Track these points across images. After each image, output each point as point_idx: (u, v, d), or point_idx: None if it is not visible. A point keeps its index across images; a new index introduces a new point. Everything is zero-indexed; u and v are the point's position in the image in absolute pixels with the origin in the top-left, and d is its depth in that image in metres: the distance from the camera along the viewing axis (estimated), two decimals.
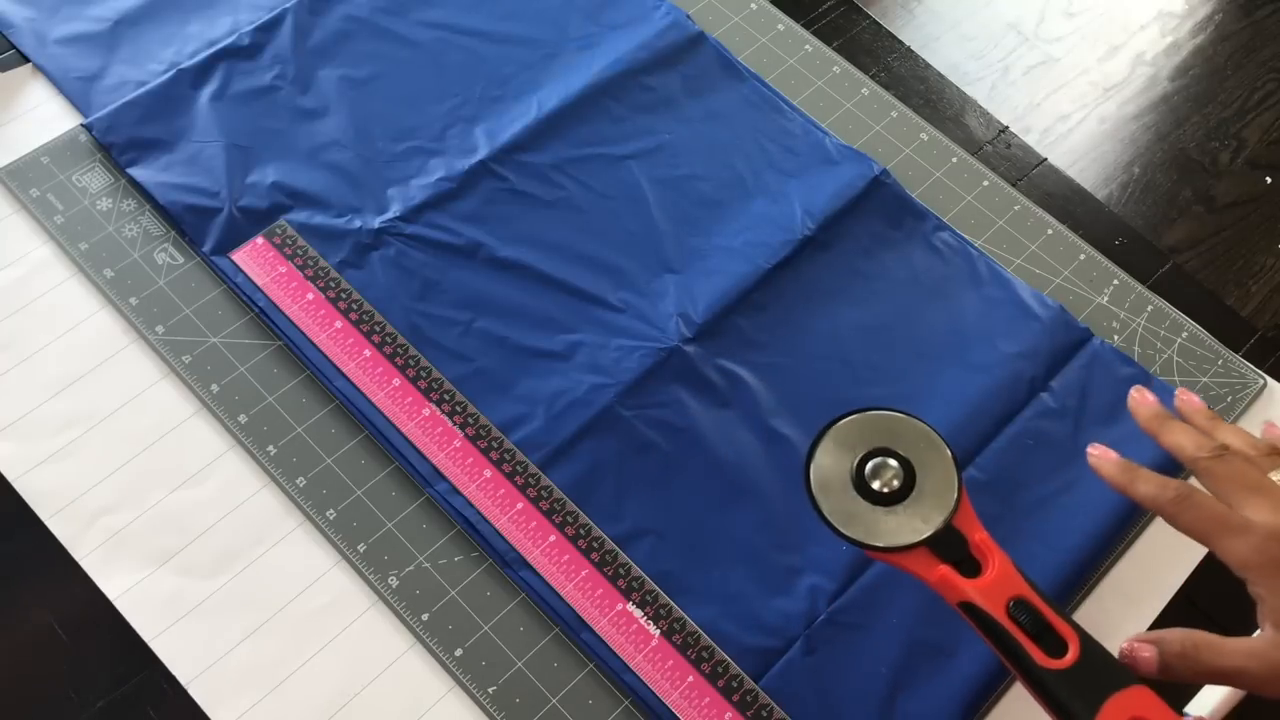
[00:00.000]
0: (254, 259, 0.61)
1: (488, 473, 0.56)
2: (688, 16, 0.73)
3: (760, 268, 0.63)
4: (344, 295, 0.60)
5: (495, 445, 0.56)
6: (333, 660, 0.52)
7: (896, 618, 0.54)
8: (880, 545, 0.47)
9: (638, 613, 0.53)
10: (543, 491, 0.55)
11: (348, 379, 0.58)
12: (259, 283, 0.60)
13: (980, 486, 0.58)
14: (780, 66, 0.72)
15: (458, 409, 0.57)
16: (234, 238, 0.62)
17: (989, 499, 0.57)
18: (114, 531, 0.54)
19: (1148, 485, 0.47)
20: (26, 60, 0.67)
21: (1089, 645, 0.45)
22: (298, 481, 0.56)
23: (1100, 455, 0.50)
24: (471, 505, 0.55)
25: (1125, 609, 0.56)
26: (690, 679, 0.51)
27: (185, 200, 0.63)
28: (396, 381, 0.58)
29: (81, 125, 0.65)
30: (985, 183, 0.69)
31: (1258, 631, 0.44)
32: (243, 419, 0.57)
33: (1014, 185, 0.70)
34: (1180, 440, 0.48)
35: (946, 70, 0.75)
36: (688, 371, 0.60)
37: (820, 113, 0.71)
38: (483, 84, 0.69)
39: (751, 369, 0.60)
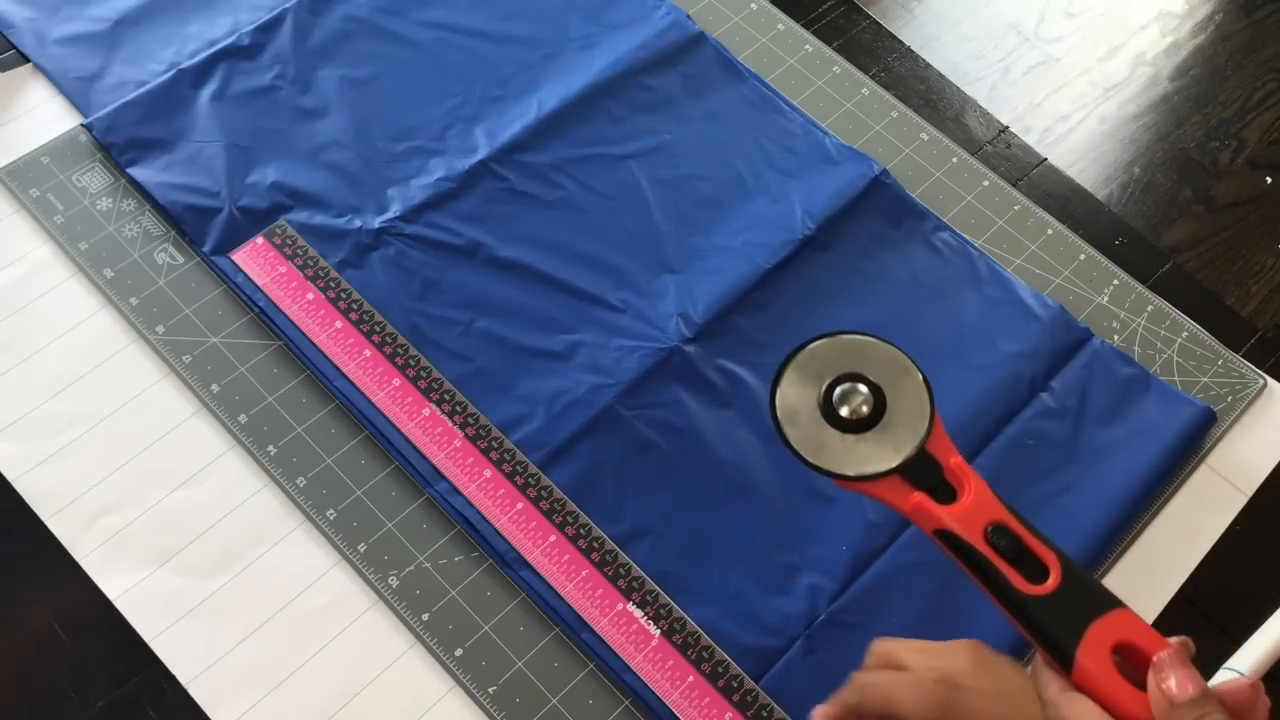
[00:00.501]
0: (254, 259, 0.61)
1: (488, 473, 0.56)
2: (688, 16, 0.73)
3: (760, 268, 0.63)
4: (344, 295, 0.60)
5: (495, 445, 0.56)
6: (333, 660, 0.52)
7: (897, 618, 0.54)
8: (850, 474, 0.46)
9: (638, 613, 0.53)
10: (543, 491, 0.55)
11: (348, 379, 0.58)
12: (259, 283, 0.60)
13: None
14: (780, 66, 0.72)
15: (458, 409, 0.57)
16: (234, 238, 0.62)
17: None
18: (114, 531, 0.54)
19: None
20: (26, 60, 0.67)
21: (1070, 570, 0.44)
22: (298, 481, 0.56)
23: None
24: (471, 505, 0.55)
25: None
26: (690, 679, 0.51)
27: (185, 200, 0.63)
28: (396, 381, 0.58)
29: (81, 125, 0.65)
30: (985, 183, 0.69)
31: None
32: (243, 419, 0.57)
33: (1014, 185, 0.70)
34: None
35: (946, 70, 0.75)
36: (688, 371, 0.60)
37: (820, 113, 0.71)
38: (483, 84, 0.69)
39: (751, 369, 0.60)
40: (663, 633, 0.52)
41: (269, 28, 0.69)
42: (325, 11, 0.70)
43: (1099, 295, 0.65)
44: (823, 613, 0.54)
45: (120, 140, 0.64)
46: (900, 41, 0.76)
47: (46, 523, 0.54)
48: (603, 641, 0.52)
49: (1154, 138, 0.76)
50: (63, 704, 0.51)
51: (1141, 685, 0.41)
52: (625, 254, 0.64)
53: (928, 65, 0.75)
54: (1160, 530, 0.58)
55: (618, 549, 0.54)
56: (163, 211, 0.63)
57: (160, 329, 0.59)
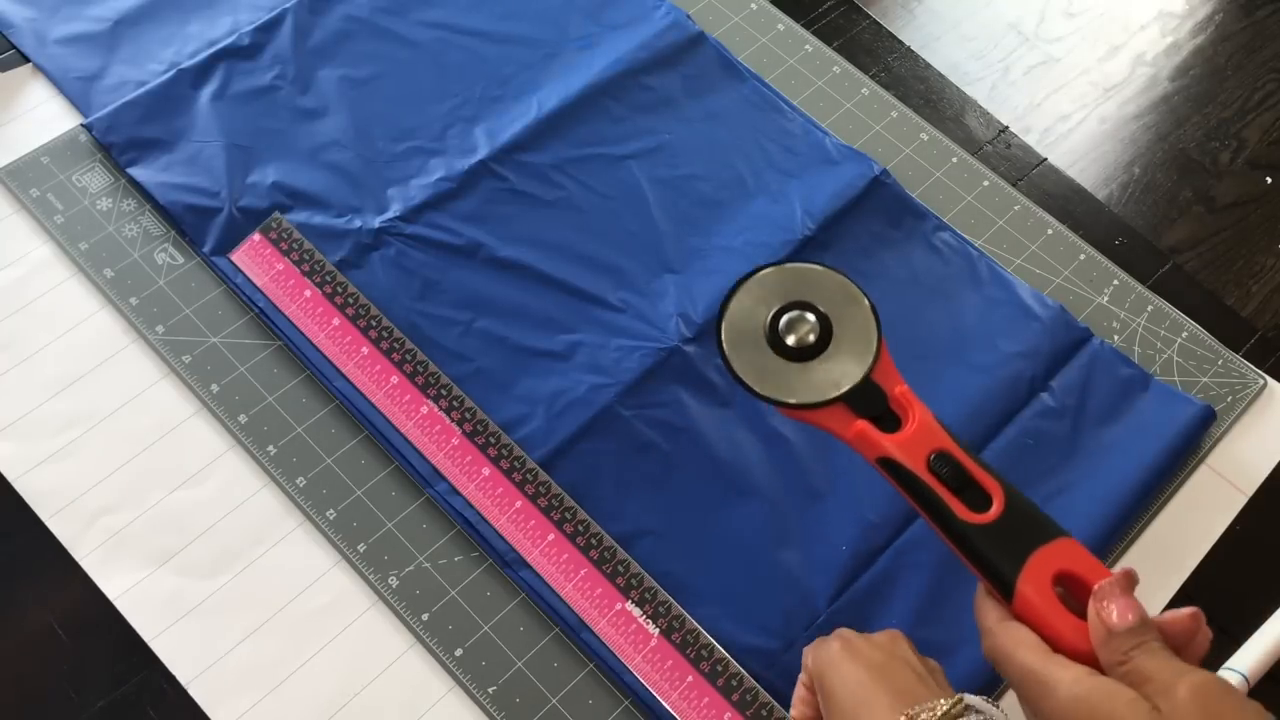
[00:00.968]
0: (251, 257, 0.61)
1: (486, 471, 0.56)
2: (688, 16, 0.73)
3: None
4: (340, 290, 0.60)
5: (493, 441, 0.56)
6: (333, 660, 0.52)
7: (896, 618, 0.54)
8: (794, 402, 0.46)
9: (636, 611, 0.53)
10: (541, 488, 0.55)
11: (346, 378, 0.58)
12: (258, 282, 0.60)
13: None
14: (780, 66, 0.72)
15: (455, 405, 0.57)
16: (234, 238, 0.62)
17: None
18: (114, 531, 0.54)
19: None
20: (26, 60, 0.67)
21: (1014, 499, 0.44)
22: (298, 481, 0.56)
23: None
24: (471, 505, 0.55)
25: None
26: (689, 679, 0.51)
27: (185, 200, 0.63)
28: (394, 379, 0.58)
29: (81, 125, 0.65)
30: (985, 183, 0.69)
31: None
32: (243, 419, 0.57)
33: (1014, 185, 0.70)
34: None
35: (946, 70, 0.75)
36: (688, 371, 0.60)
37: (820, 113, 0.71)
38: (483, 84, 0.69)
39: None
40: (661, 631, 0.52)
41: (269, 28, 0.69)
42: (325, 11, 0.70)
43: (1099, 295, 0.65)
44: (822, 613, 0.54)
45: (120, 140, 0.64)
46: (900, 41, 0.76)
47: (46, 523, 0.54)
48: (602, 642, 0.52)
49: (1154, 138, 0.76)
50: (63, 704, 0.51)
51: (1084, 616, 0.41)
52: (625, 254, 0.64)
53: (928, 65, 0.75)
54: (1160, 530, 0.58)
55: (616, 546, 0.54)
56: (163, 211, 0.63)
57: (160, 329, 0.59)
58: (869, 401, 0.46)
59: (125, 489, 0.55)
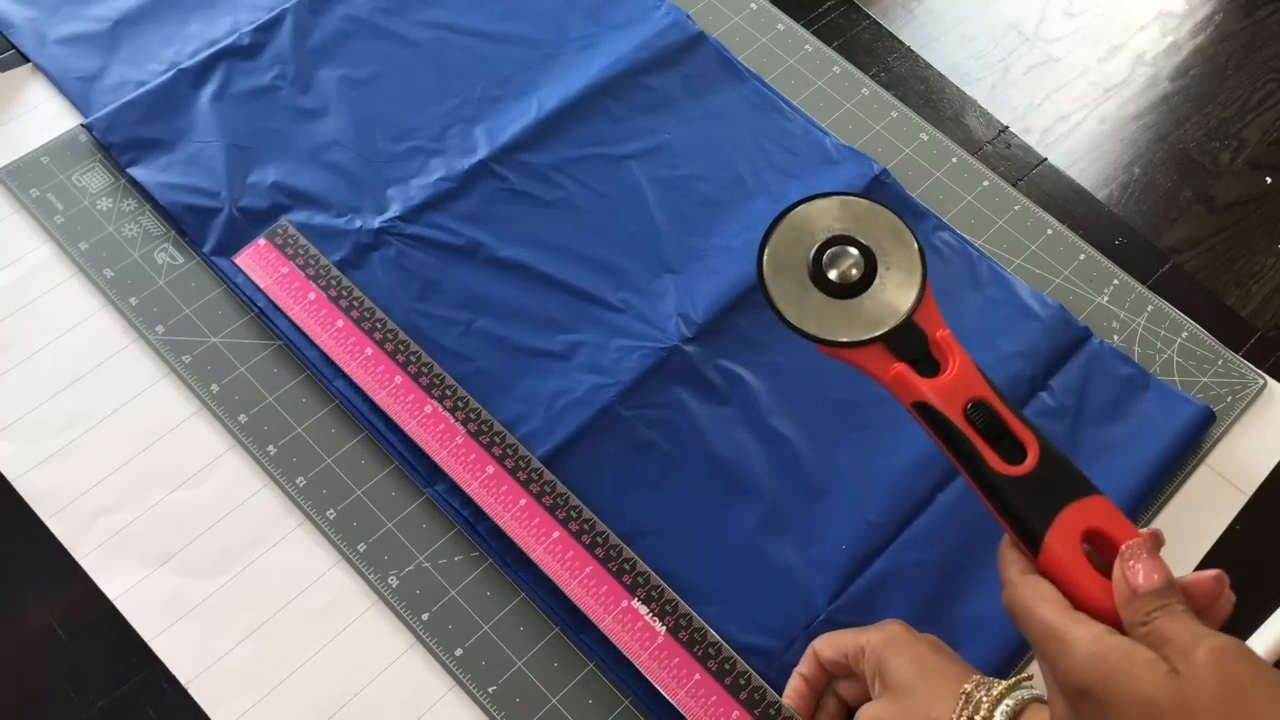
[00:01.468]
0: (256, 261, 0.61)
1: (490, 469, 0.56)
2: (688, 16, 0.73)
3: None
4: (345, 293, 0.60)
5: (498, 440, 0.56)
6: (333, 660, 0.52)
7: (896, 617, 0.54)
8: (831, 339, 0.44)
9: (643, 609, 0.53)
10: (545, 486, 0.55)
11: (349, 379, 0.58)
12: (262, 285, 0.60)
13: None
14: (780, 66, 0.72)
15: (459, 404, 0.57)
16: (234, 238, 0.62)
17: None
18: (114, 531, 0.54)
19: None
20: (26, 60, 0.67)
21: (1049, 453, 0.43)
22: (298, 481, 0.56)
23: None
24: (472, 504, 0.55)
25: None
26: (697, 676, 0.51)
27: (185, 200, 0.63)
28: (398, 379, 0.58)
29: (81, 125, 0.65)
30: (985, 183, 0.69)
31: None
32: (243, 419, 0.57)
33: (1014, 185, 0.70)
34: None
35: (946, 70, 0.75)
36: (688, 371, 0.60)
37: (820, 113, 0.71)
38: (483, 84, 0.69)
39: (752, 369, 0.60)
40: (668, 629, 0.52)
41: (269, 28, 0.69)
42: (325, 11, 0.70)
43: (1099, 295, 0.65)
44: (822, 612, 0.54)
45: (120, 140, 0.64)
46: (900, 41, 0.76)
47: (46, 523, 0.54)
48: (605, 640, 0.52)
49: (1154, 138, 0.76)
50: (63, 704, 0.51)
51: (1109, 576, 0.40)
52: (625, 254, 0.64)
53: (928, 65, 0.75)
54: (1161, 530, 0.58)
55: (622, 544, 0.54)
56: (163, 211, 0.63)
57: (160, 329, 0.59)
58: (909, 344, 0.44)
59: (125, 489, 0.55)
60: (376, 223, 0.63)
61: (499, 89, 0.69)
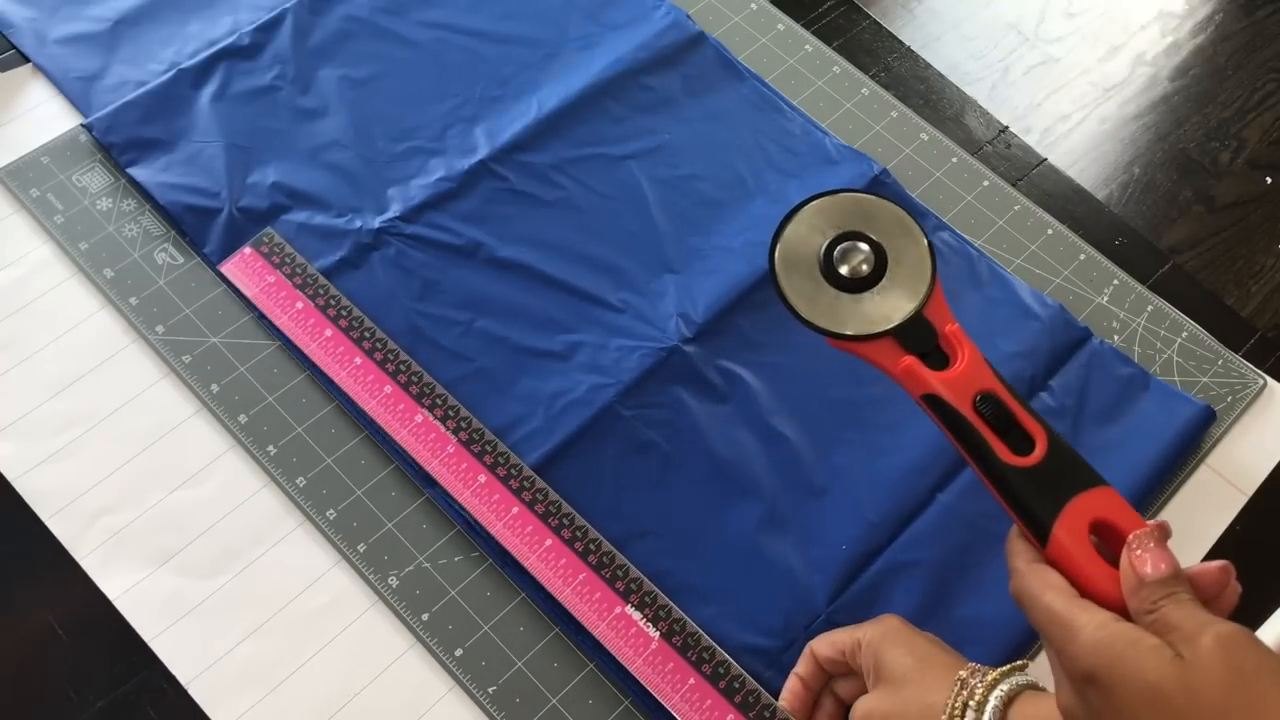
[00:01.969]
0: (242, 270, 0.61)
1: (482, 477, 0.56)
2: (688, 16, 0.73)
3: (760, 268, 0.63)
4: (333, 302, 0.60)
5: (489, 449, 0.56)
6: (333, 660, 0.52)
7: None
8: (843, 333, 0.45)
9: (636, 615, 0.53)
10: (538, 494, 0.55)
11: (340, 388, 0.58)
12: (248, 294, 0.60)
13: (979, 486, 0.57)
14: (780, 66, 0.72)
15: (450, 413, 0.57)
16: (234, 238, 0.62)
17: (987, 499, 0.57)
18: (114, 531, 0.54)
19: None
20: (26, 60, 0.67)
21: (1056, 444, 0.44)
22: (298, 481, 0.56)
23: None
24: (467, 510, 0.55)
25: None
26: (691, 681, 0.51)
27: (185, 200, 0.63)
28: (388, 388, 0.58)
29: (81, 125, 0.65)
30: (985, 183, 0.69)
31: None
32: (243, 419, 0.57)
33: (1014, 185, 0.70)
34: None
35: (946, 70, 0.75)
36: (688, 371, 0.60)
37: (820, 113, 0.71)
38: (483, 84, 0.69)
39: (751, 369, 0.60)
40: (662, 634, 0.52)
41: (269, 28, 0.69)
42: (325, 11, 0.70)
43: (1099, 295, 0.65)
44: (822, 612, 0.54)
45: (120, 140, 0.64)
46: (900, 41, 0.76)
47: (46, 523, 0.54)
48: (602, 647, 0.52)
49: (1154, 138, 0.76)
50: (63, 704, 0.51)
51: (1116, 566, 0.41)
52: (625, 254, 0.64)
53: (928, 65, 0.75)
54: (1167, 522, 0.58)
55: (615, 550, 0.54)
56: (163, 211, 0.63)
57: (160, 329, 0.59)
58: (919, 337, 0.45)
59: (125, 489, 0.55)
60: (376, 223, 0.63)
61: (499, 89, 0.69)
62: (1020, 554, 0.43)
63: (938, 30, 0.80)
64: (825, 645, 0.49)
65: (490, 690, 0.52)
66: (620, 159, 0.67)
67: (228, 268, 0.61)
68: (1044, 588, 0.41)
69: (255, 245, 0.61)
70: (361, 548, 0.55)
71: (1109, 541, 0.43)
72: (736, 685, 0.51)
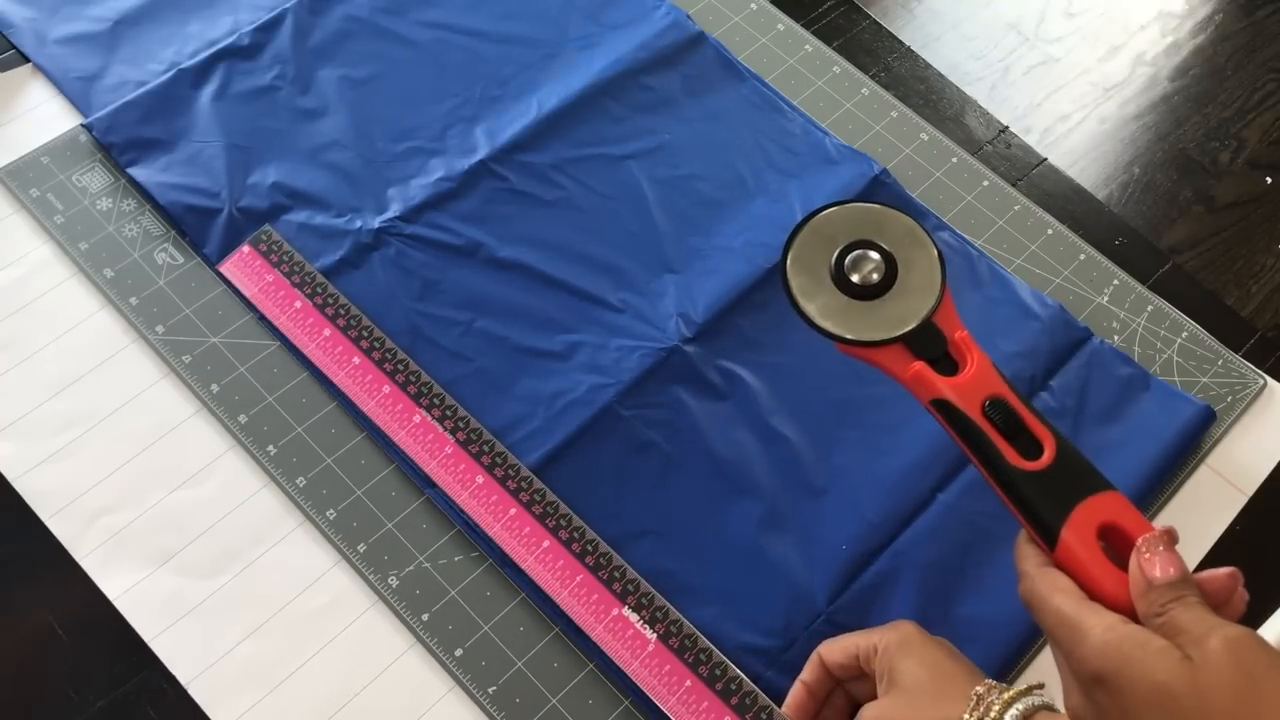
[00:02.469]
0: (241, 269, 0.61)
1: (480, 478, 0.56)
2: (688, 16, 0.73)
3: (760, 268, 0.63)
4: (331, 301, 0.60)
5: (487, 450, 0.56)
6: (333, 660, 0.52)
7: (895, 617, 0.54)
8: (854, 339, 0.46)
9: (633, 617, 0.53)
10: (535, 495, 0.55)
11: (339, 388, 0.58)
12: (247, 293, 0.60)
13: (980, 485, 0.58)
14: (780, 66, 0.72)
15: (448, 414, 0.57)
16: (234, 238, 0.62)
17: (988, 498, 0.57)
18: (114, 531, 0.54)
19: None
20: (26, 60, 0.67)
21: (1065, 449, 0.44)
22: (298, 481, 0.56)
23: None
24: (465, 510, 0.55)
25: None
26: (688, 683, 0.51)
27: (185, 200, 0.63)
28: (386, 388, 0.58)
29: (81, 125, 0.65)
30: (985, 183, 0.69)
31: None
32: (243, 419, 0.57)
33: (1014, 185, 0.70)
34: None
35: (946, 70, 0.75)
36: (688, 371, 0.60)
37: (820, 113, 0.71)
38: (483, 84, 0.69)
39: (751, 369, 0.60)
40: (659, 636, 0.52)
41: (269, 28, 0.69)
42: (325, 11, 0.70)
43: (1099, 295, 0.65)
44: (822, 612, 0.54)
45: (120, 140, 0.64)
46: (900, 41, 0.76)
47: (46, 523, 0.54)
48: (599, 649, 0.52)
49: (1154, 138, 0.76)
50: (63, 704, 0.51)
51: (1124, 569, 0.41)
52: (625, 254, 0.64)
53: (928, 65, 0.75)
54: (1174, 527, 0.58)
55: (613, 552, 0.54)
56: (163, 211, 0.63)
57: (160, 329, 0.59)
58: (928, 343, 0.46)
59: (125, 489, 0.55)
60: (376, 223, 0.63)
61: (499, 89, 0.69)
62: (1029, 558, 0.44)
63: (938, 30, 0.80)
64: (836, 651, 0.48)
65: (490, 690, 0.52)
66: (620, 159, 0.67)
67: (226, 267, 0.61)
68: (1053, 591, 0.41)
69: (254, 244, 0.61)
70: (361, 548, 0.55)
71: (1116, 546, 0.43)
72: (734, 687, 0.51)
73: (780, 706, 0.51)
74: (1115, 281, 0.65)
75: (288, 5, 0.70)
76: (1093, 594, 0.41)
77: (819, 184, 0.67)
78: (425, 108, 0.68)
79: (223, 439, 0.57)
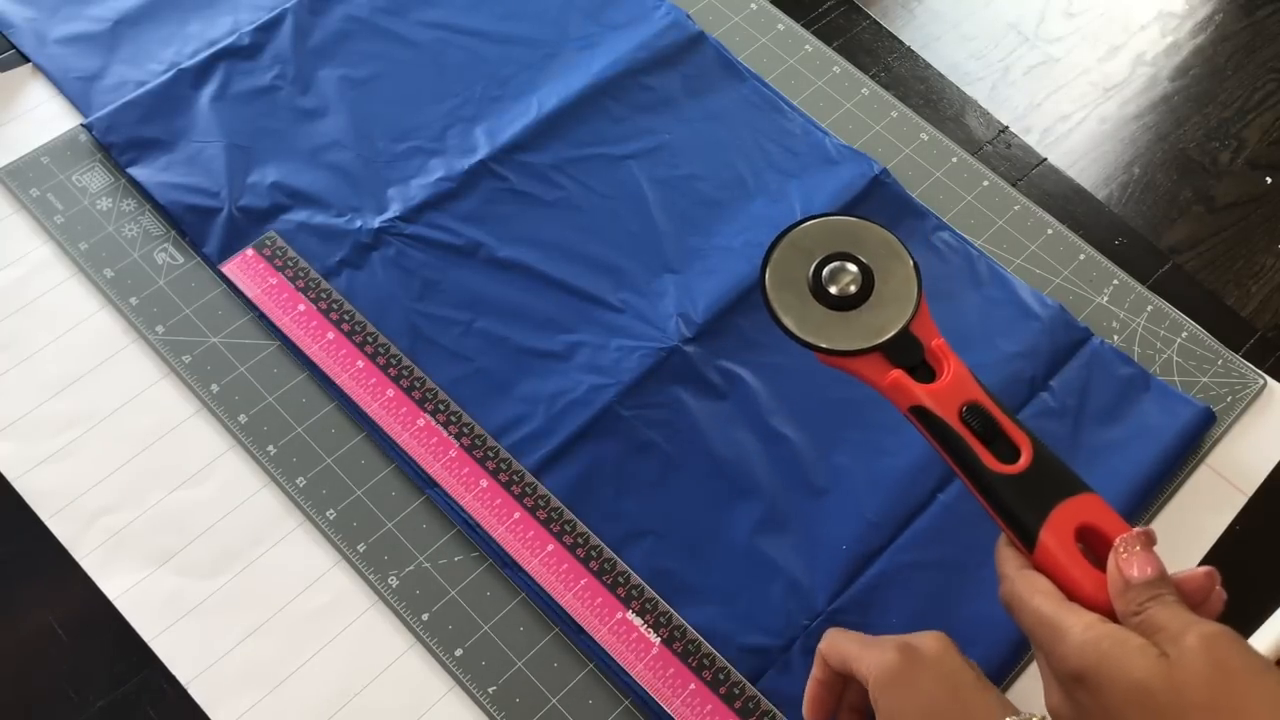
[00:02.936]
0: (244, 271, 0.61)
1: (484, 482, 0.56)
2: (688, 16, 0.73)
3: (760, 268, 0.63)
4: (335, 306, 0.60)
5: (491, 455, 0.56)
6: (333, 660, 0.52)
7: (896, 617, 0.54)
8: (832, 349, 0.47)
9: (637, 621, 0.53)
10: (540, 500, 0.55)
11: (342, 391, 0.58)
12: (250, 295, 0.60)
13: None
14: (780, 66, 0.72)
15: (453, 419, 0.57)
16: (234, 238, 0.62)
17: None
18: (114, 531, 0.54)
19: None
20: (26, 60, 0.67)
21: (1041, 452, 0.45)
22: (298, 481, 0.56)
23: None
24: (469, 513, 0.55)
25: None
26: (692, 686, 0.51)
27: (185, 200, 0.63)
28: (390, 392, 0.58)
29: (81, 125, 0.65)
30: (985, 183, 0.69)
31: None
32: (243, 419, 0.57)
33: (1014, 185, 0.70)
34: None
35: (946, 70, 0.75)
36: (688, 371, 0.60)
37: (820, 113, 0.71)
38: (483, 84, 0.69)
39: (751, 369, 0.60)
40: (663, 640, 0.52)
41: (269, 28, 0.69)
42: (325, 11, 0.70)
43: (1099, 295, 0.65)
44: (822, 612, 0.54)
45: (120, 140, 0.64)
46: (900, 41, 0.76)
47: (46, 523, 0.54)
48: (603, 650, 0.52)
49: (1154, 138, 0.76)
50: (63, 704, 0.51)
51: (1103, 570, 0.42)
52: (625, 254, 0.64)
53: (928, 65, 0.75)
54: (1160, 530, 0.58)
55: (616, 557, 0.54)
56: (163, 211, 0.63)
57: (160, 329, 0.59)
58: (906, 352, 0.47)
59: (125, 489, 0.55)
60: (376, 223, 0.63)
61: (499, 89, 0.69)
62: (1009, 560, 0.44)
63: (938, 30, 0.80)
64: (834, 658, 0.47)
65: (490, 690, 0.52)
66: (620, 159, 0.67)
67: (229, 268, 0.61)
68: (1032, 592, 0.42)
69: (257, 248, 0.61)
70: (361, 548, 0.55)
71: (1094, 547, 0.43)
72: (736, 691, 0.51)
73: (780, 709, 0.51)
74: (1115, 281, 0.65)
75: (288, 5, 0.70)
76: (1072, 595, 0.42)
77: (819, 184, 0.67)
78: (425, 108, 0.68)
79: (223, 439, 0.57)
